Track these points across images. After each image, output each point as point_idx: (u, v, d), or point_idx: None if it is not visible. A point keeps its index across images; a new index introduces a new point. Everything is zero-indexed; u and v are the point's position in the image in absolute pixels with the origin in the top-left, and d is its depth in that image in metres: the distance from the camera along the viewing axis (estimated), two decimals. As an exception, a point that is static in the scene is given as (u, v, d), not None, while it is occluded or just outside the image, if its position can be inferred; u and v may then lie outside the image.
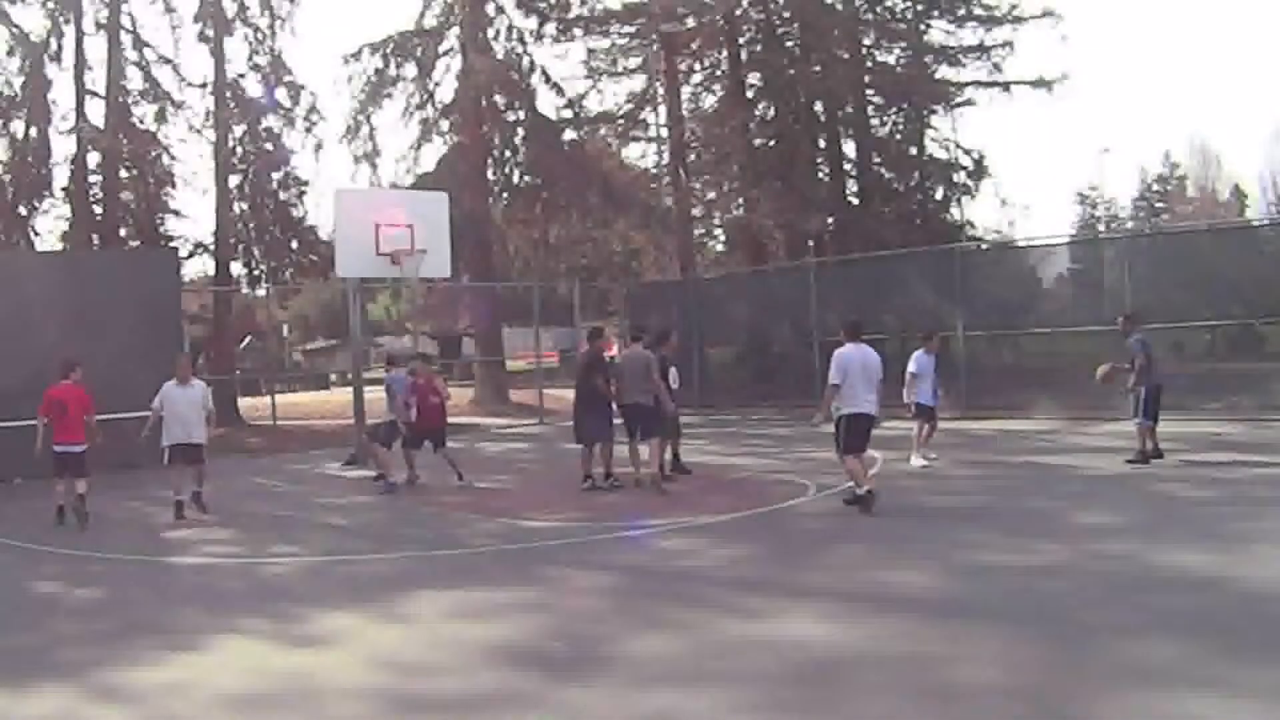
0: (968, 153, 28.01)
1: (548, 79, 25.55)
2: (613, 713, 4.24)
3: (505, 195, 25.81)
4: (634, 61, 28.18)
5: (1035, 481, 10.00)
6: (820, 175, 28.18)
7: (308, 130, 22.90)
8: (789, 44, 27.55)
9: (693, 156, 27.78)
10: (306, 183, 23.28)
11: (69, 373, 9.89)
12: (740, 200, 27.87)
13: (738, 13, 26.52)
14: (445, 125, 25.53)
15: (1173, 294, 15.53)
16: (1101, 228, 48.84)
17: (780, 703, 4.23)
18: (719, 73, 28.00)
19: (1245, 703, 3.95)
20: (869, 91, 27.92)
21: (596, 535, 8.08)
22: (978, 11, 27.39)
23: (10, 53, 20.92)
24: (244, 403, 22.53)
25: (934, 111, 28.29)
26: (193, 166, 23.05)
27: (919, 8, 27.99)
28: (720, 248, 31.09)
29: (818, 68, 26.45)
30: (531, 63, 25.26)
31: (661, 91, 26.60)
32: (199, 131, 22.30)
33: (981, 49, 27.48)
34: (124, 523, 10.00)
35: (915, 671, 4.50)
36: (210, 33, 21.63)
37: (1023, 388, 16.91)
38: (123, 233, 21.84)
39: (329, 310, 44.48)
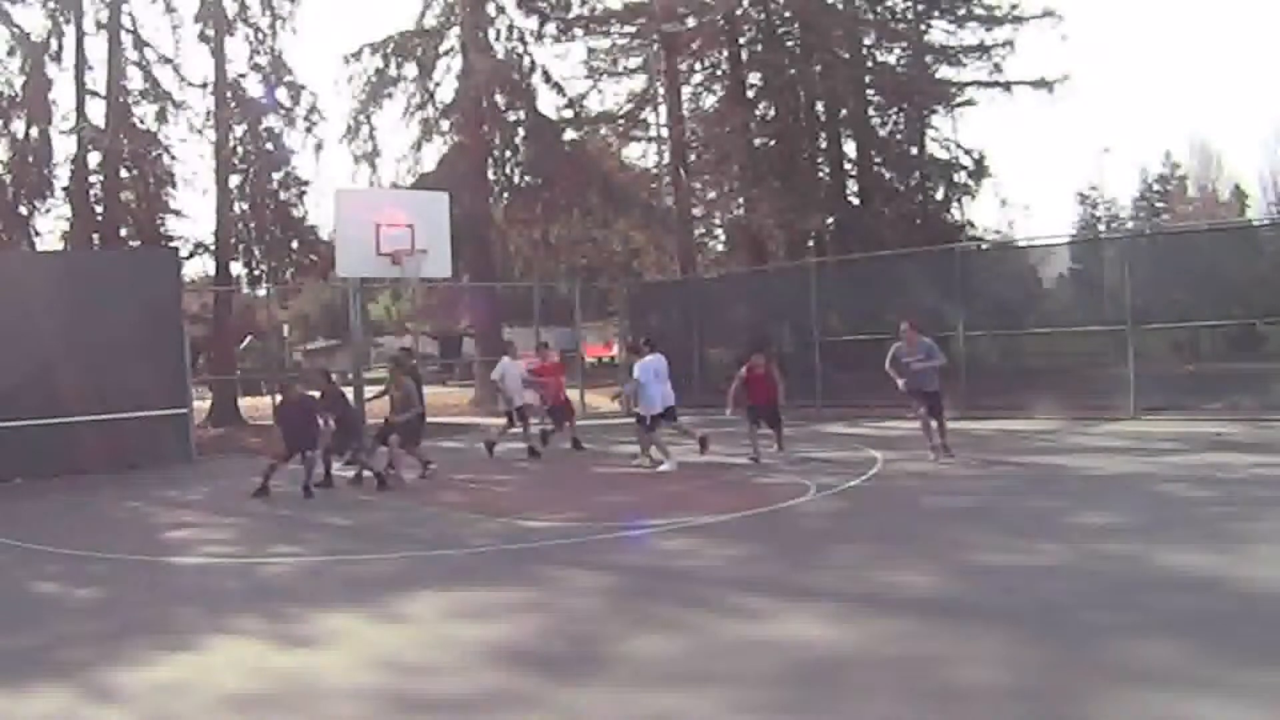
0: (968, 153, 28.10)
1: (548, 79, 25.60)
2: (613, 713, 4.24)
3: (505, 195, 25.80)
4: (634, 61, 28.24)
5: (1035, 481, 9.99)
6: (820, 175, 28.21)
7: (308, 130, 22.93)
8: (789, 44, 27.57)
9: (693, 156, 27.81)
10: (307, 183, 23.29)
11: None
12: (740, 200, 27.90)
13: (738, 13, 26.56)
14: (445, 125, 25.54)
15: (1173, 294, 15.53)
16: (1102, 228, 48.82)
17: (781, 703, 4.23)
18: (719, 73, 28.04)
19: (1245, 703, 3.95)
20: (869, 91, 27.96)
21: (596, 535, 8.08)
22: (978, 11, 27.47)
23: (11, 53, 20.93)
24: (244, 403, 22.51)
25: (934, 111, 28.35)
26: (193, 166, 23.10)
27: (919, 8, 28.04)
28: (720, 248, 31.11)
29: (818, 68, 26.49)
30: (532, 63, 25.31)
31: (662, 91, 26.60)
32: (199, 131, 22.32)
33: (982, 49, 27.55)
34: (124, 523, 9.99)
35: (915, 672, 4.50)
36: (211, 33, 21.64)
37: (1023, 388, 16.90)
38: (123, 233, 21.83)
39: (329, 310, 44.48)
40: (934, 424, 11.34)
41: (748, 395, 12.25)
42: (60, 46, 21.06)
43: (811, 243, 27.19)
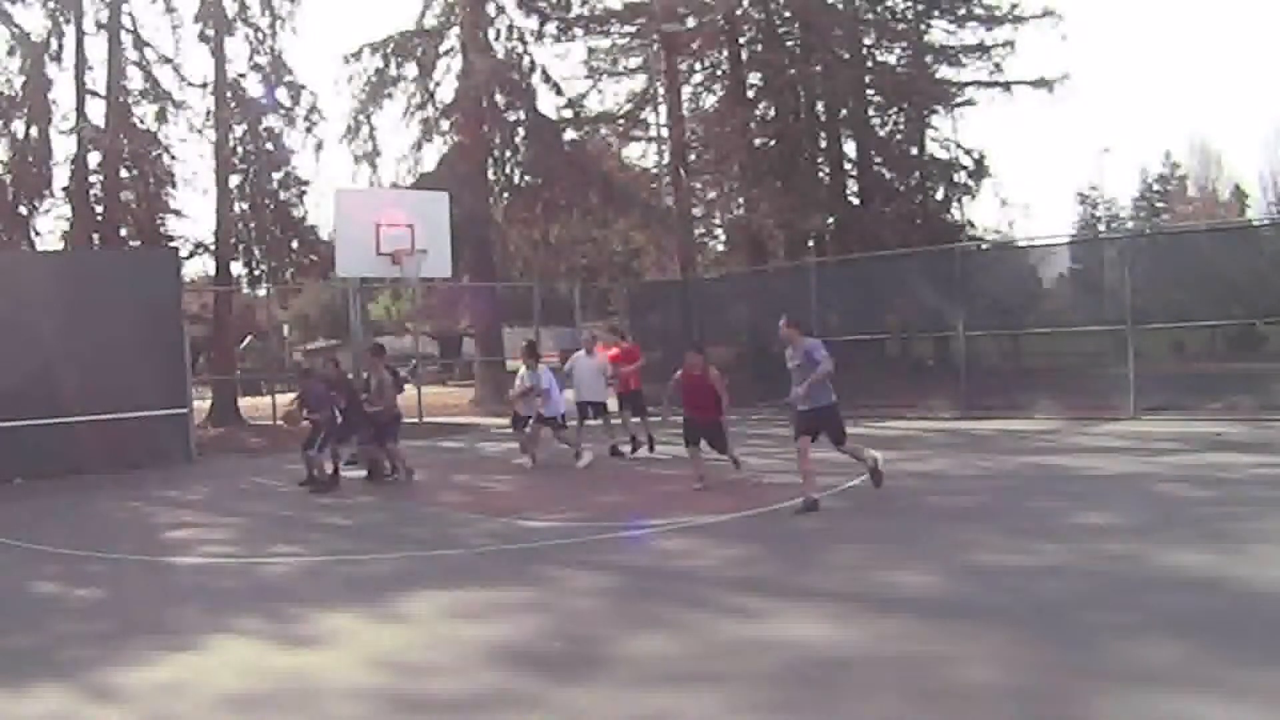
0: (968, 153, 28.09)
1: (548, 79, 25.57)
2: (613, 713, 4.24)
3: (505, 195, 25.79)
4: (634, 61, 28.20)
5: (1035, 481, 9.99)
6: (820, 175, 28.20)
7: (308, 130, 22.93)
8: (789, 44, 27.56)
9: (693, 156, 27.78)
10: (307, 183, 23.30)
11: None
12: (740, 200, 27.89)
13: (738, 12, 26.53)
14: (445, 125, 25.53)
15: (1173, 294, 15.52)
16: (1101, 228, 48.84)
17: (780, 703, 4.23)
18: (719, 73, 28.02)
19: (1245, 703, 3.95)
20: (869, 91, 27.95)
21: (596, 535, 8.08)
22: (978, 11, 27.46)
23: (11, 53, 20.91)
24: (245, 402, 22.52)
25: (934, 111, 28.34)
26: (193, 166, 23.08)
27: (919, 8, 28.04)
28: (720, 248, 31.10)
29: (818, 68, 26.47)
30: (532, 62, 25.28)
31: (662, 91, 26.59)
32: (199, 131, 22.31)
33: (982, 49, 27.55)
34: (124, 523, 9.99)
35: (915, 671, 4.50)
36: (211, 32, 21.63)
37: (1023, 388, 16.90)
38: (123, 233, 21.83)
39: (329, 310, 44.46)
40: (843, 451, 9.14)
41: (682, 404, 10.38)
42: (60, 46, 21.05)
43: (811, 243, 27.20)
